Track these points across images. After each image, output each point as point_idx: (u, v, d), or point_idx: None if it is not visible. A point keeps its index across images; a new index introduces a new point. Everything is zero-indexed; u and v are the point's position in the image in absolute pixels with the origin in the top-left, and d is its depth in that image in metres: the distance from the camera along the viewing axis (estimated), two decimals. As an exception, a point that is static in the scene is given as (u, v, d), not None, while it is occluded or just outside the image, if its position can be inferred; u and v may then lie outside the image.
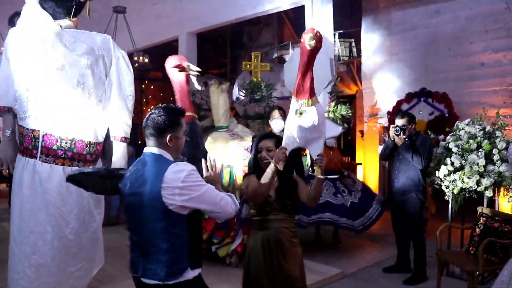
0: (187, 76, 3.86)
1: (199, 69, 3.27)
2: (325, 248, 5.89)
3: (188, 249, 2.07)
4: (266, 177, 2.61)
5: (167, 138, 2.12)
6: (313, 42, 2.71)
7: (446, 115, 7.15)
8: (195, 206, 2.05)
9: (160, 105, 2.25)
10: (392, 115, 7.55)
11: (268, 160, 2.69)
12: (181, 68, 3.64)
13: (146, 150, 2.17)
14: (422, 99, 7.55)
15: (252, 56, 6.82)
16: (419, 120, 7.34)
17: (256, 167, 2.79)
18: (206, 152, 2.77)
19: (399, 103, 7.79)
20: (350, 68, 10.13)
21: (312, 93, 2.79)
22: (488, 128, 4.49)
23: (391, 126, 4.66)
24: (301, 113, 2.76)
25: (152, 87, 16.73)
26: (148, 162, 2.11)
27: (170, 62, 3.73)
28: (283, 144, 2.81)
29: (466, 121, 4.69)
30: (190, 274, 2.07)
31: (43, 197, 3.07)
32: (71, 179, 2.48)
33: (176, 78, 3.58)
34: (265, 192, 2.63)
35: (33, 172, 3.09)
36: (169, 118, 2.13)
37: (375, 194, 6.00)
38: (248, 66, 6.51)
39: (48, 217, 3.07)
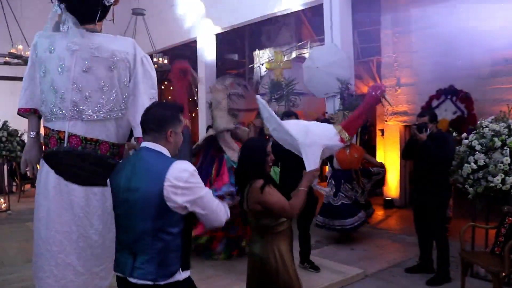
0: (189, 84, 3.99)
1: (200, 80, 3.33)
2: (346, 248, 5.84)
3: (180, 251, 2.01)
4: (301, 196, 2.64)
5: (168, 133, 2.08)
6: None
7: (465, 116, 7.02)
8: (194, 208, 1.99)
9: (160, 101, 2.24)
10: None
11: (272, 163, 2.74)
12: (186, 73, 3.73)
13: (144, 144, 2.11)
14: (448, 97, 7.44)
15: (275, 54, 6.84)
16: (443, 118, 7.25)
17: (263, 170, 2.69)
18: (191, 160, 2.78)
19: (431, 98, 7.73)
20: (369, 67, 10.02)
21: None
22: (513, 125, 4.38)
23: (412, 124, 4.60)
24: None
25: (171, 88, 16.88)
26: (148, 157, 2.05)
27: (176, 67, 3.82)
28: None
29: (490, 118, 4.59)
30: (181, 275, 2.02)
31: (68, 198, 3.13)
32: (47, 154, 2.36)
33: (178, 83, 3.67)
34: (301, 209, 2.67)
35: None
36: (170, 113, 2.10)
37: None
38: (271, 66, 6.61)
39: (73, 217, 3.13)
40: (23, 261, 5.12)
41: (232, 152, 5.07)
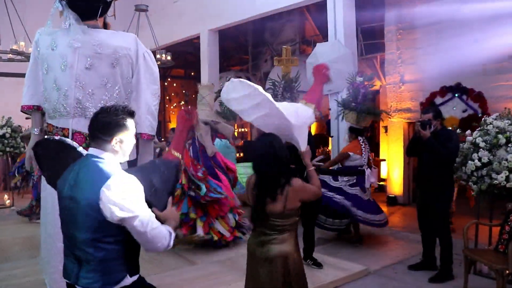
0: (191, 127, 4.17)
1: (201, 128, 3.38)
2: (349, 245, 5.84)
3: (124, 257, 1.95)
4: (315, 175, 2.87)
5: (112, 141, 1.98)
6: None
7: (480, 115, 6.96)
8: (126, 226, 1.88)
9: (108, 105, 2.10)
10: (424, 107, 7.42)
11: None
12: (190, 117, 3.94)
13: (90, 151, 2.02)
14: (456, 95, 7.39)
15: (283, 50, 6.84)
16: (451, 116, 7.22)
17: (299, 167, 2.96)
18: (173, 193, 2.73)
19: (432, 95, 7.67)
20: (373, 63, 9.99)
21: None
22: (517, 122, 4.36)
23: (416, 121, 4.59)
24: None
25: (174, 84, 16.89)
26: (90, 165, 1.95)
27: (183, 111, 4.02)
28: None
29: (494, 115, 4.57)
30: (129, 280, 1.97)
31: None
32: (36, 144, 2.34)
33: (182, 124, 3.82)
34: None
35: None
36: (115, 120, 1.99)
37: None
38: (280, 63, 6.68)
39: None
40: (27, 256, 5.15)
41: (206, 147, 5.43)
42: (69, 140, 2.43)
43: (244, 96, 2.82)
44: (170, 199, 2.21)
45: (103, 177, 1.87)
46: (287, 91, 6.59)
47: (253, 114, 2.93)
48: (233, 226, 5.38)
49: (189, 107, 3.23)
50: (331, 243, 5.93)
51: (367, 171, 5.68)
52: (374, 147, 9.61)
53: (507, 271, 3.63)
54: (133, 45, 3.22)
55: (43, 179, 3.27)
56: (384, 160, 9.22)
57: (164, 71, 15.05)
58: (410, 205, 8.35)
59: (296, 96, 6.96)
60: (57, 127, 3.16)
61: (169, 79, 16.32)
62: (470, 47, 7.38)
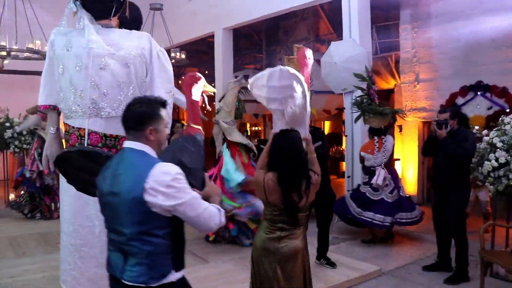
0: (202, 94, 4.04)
1: (214, 90, 3.34)
2: (363, 245, 5.81)
3: (171, 252, 1.95)
4: (316, 161, 2.92)
5: (147, 131, 1.97)
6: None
7: (507, 110, 6.84)
8: (176, 213, 1.89)
9: (140, 96, 2.10)
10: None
11: None
12: (197, 82, 3.84)
13: (126, 145, 2.01)
14: (479, 93, 7.29)
15: (294, 48, 6.81)
16: (476, 115, 7.10)
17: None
18: (205, 168, 2.78)
19: (453, 96, 7.58)
20: (388, 62, 9.91)
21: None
22: (535, 122, 4.29)
23: (432, 120, 4.54)
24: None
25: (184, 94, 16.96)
26: (130, 159, 1.95)
27: (188, 76, 3.93)
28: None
29: (512, 115, 4.50)
30: (174, 276, 1.96)
31: None
32: (59, 159, 2.34)
33: (189, 93, 3.75)
34: None
35: None
36: (149, 110, 1.99)
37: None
38: (290, 62, 6.62)
39: (96, 212, 3.19)
40: (43, 252, 5.22)
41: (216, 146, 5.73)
42: (88, 147, 2.44)
43: (285, 86, 2.90)
44: (206, 175, 2.23)
45: (145, 169, 1.86)
46: None
47: (283, 104, 2.99)
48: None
49: (193, 73, 3.19)
50: (344, 243, 5.90)
51: (378, 170, 5.64)
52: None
53: (524, 274, 3.58)
54: (147, 44, 3.23)
55: (61, 182, 3.32)
56: (399, 159, 9.14)
57: (178, 69, 15.09)
58: (424, 205, 8.26)
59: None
60: (73, 127, 3.20)
61: (183, 77, 16.40)
62: (488, 46, 7.29)
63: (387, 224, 5.53)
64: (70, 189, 3.22)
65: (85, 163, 2.28)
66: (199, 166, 2.26)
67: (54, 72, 3.23)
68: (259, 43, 13.79)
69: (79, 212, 3.22)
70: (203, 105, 3.02)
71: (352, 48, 6.79)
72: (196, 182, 2.11)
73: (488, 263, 4.09)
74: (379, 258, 5.24)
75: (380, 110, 5.74)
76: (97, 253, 3.22)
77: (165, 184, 1.83)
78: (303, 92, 2.92)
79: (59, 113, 3.40)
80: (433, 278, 4.58)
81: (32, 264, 4.72)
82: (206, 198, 2.05)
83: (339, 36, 8.10)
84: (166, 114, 2.10)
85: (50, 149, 3.40)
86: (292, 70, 2.88)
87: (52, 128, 3.39)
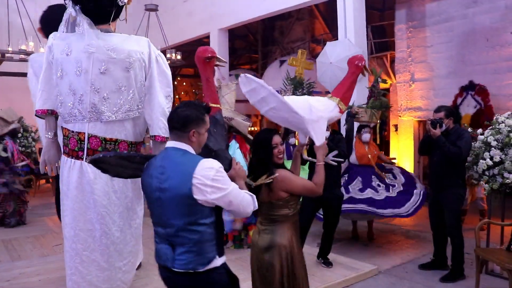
0: (214, 68, 3.95)
1: (225, 61, 3.30)
2: (360, 244, 5.83)
3: (215, 239, 2.13)
4: (321, 171, 2.78)
5: (190, 133, 2.14)
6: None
7: (482, 108, 6.93)
8: (221, 203, 2.09)
9: (186, 100, 2.25)
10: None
11: (282, 155, 2.75)
12: (211, 59, 3.68)
13: (169, 144, 2.19)
14: (470, 93, 7.36)
15: (299, 52, 6.86)
16: (467, 114, 7.20)
17: (270, 162, 2.73)
18: (228, 145, 2.83)
19: (456, 97, 7.63)
20: (383, 62, 9.94)
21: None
22: (530, 121, 4.31)
23: (427, 119, 4.56)
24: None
25: (184, 83, 16.94)
26: (174, 156, 2.13)
27: (200, 53, 3.78)
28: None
29: (506, 114, 4.53)
30: (218, 261, 2.15)
31: (91, 197, 3.21)
32: (94, 161, 2.47)
33: (204, 69, 3.64)
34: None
35: (80, 173, 3.23)
36: (194, 114, 2.15)
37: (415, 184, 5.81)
38: (294, 62, 6.71)
39: (96, 216, 3.22)
40: (39, 255, 5.20)
41: None
42: (123, 153, 2.78)
43: (251, 90, 2.84)
44: (233, 158, 2.39)
45: (190, 166, 2.04)
46: (296, 94, 6.59)
47: (263, 107, 2.94)
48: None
49: (204, 47, 3.10)
50: (341, 242, 5.91)
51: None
52: (385, 146, 9.56)
53: (520, 271, 3.59)
54: (146, 48, 3.24)
55: (61, 186, 3.33)
56: (395, 158, 9.16)
57: (174, 70, 15.06)
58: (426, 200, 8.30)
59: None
60: (72, 131, 3.20)
61: (178, 78, 16.38)
62: (482, 45, 7.33)
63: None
64: (70, 192, 3.24)
65: (119, 162, 2.44)
66: (223, 146, 2.35)
67: (52, 77, 3.23)
68: (255, 43, 13.80)
69: (80, 216, 3.23)
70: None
71: (347, 48, 6.80)
72: (223, 163, 2.23)
73: (484, 260, 4.12)
74: (376, 257, 5.25)
75: (370, 103, 5.72)
76: (98, 256, 3.25)
77: (211, 178, 2.02)
78: (273, 94, 2.79)
79: (57, 118, 3.40)
80: (429, 277, 4.60)
81: (28, 267, 4.70)
82: (232, 180, 2.22)
83: (335, 36, 8.10)
84: (208, 119, 2.25)
85: (48, 154, 3.41)
86: (247, 76, 2.82)
87: (49, 133, 3.39)
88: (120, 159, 2.50)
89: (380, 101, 5.64)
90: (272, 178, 2.63)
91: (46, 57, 3.25)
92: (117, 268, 3.33)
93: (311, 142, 3.08)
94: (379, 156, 6.00)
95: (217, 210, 2.14)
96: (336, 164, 3.46)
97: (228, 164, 2.36)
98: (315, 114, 3.00)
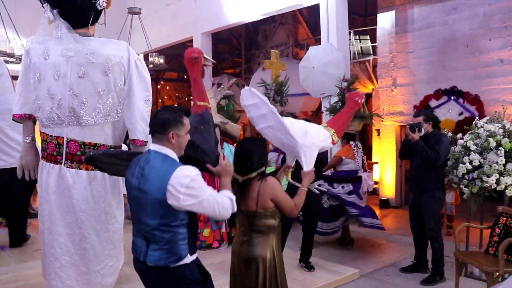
0: (202, 68, 3.96)
1: (214, 61, 3.31)
2: (341, 248, 5.85)
3: (188, 238, 2.21)
4: (302, 196, 2.77)
5: (169, 135, 2.20)
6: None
7: (477, 117, 7.01)
8: (194, 209, 2.15)
9: (166, 105, 2.29)
10: (417, 110, 7.43)
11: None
12: (197, 59, 3.67)
13: (152, 147, 2.26)
14: (452, 98, 7.43)
15: (272, 53, 6.88)
16: (447, 119, 7.26)
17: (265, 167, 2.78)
18: (217, 141, 2.84)
19: (426, 98, 7.71)
20: (366, 67, 10.04)
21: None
22: (508, 126, 4.39)
23: (407, 124, 4.62)
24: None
25: (167, 87, 16.87)
26: (154, 160, 2.20)
27: (187, 54, 3.78)
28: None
29: (485, 119, 4.61)
30: (189, 258, 2.23)
31: (70, 201, 3.18)
32: (90, 159, 2.59)
33: (191, 69, 3.64)
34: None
35: (59, 178, 3.19)
36: (172, 117, 2.23)
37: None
38: (269, 65, 6.76)
39: (75, 220, 3.19)
40: (17, 261, 5.10)
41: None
42: (110, 150, 2.85)
43: (252, 105, 2.85)
44: (221, 152, 2.35)
45: (167, 173, 2.10)
46: (277, 94, 6.64)
47: (260, 123, 2.93)
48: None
49: (192, 49, 3.11)
50: (323, 246, 5.93)
51: (364, 175, 5.65)
52: (367, 150, 9.64)
53: (498, 273, 3.65)
54: (125, 52, 3.22)
55: (40, 190, 3.28)
56: (377, 163, 9.25)
57: (157, 74, 14.99)
58: (402, 208, 8.39)
59: (285, 101, 7.04)
60: (51, 136, 3.16)
61: (162, 82, 16.31)
62: (462, 51, 7.46)
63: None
64: (48, 196, 3.20)
65: (110, 160, 2.54)
66: (211, 143, 2.42)
67: (29, 81, 3.19)
68: (238, 47, 13.82)
69: (59, 220, 3.18)
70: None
71: (330, 52, 6.86)
72: (210, 159, 2.27)
73: (463, 263, 4.17)
74: (358, 260, 5.28)
75: (361, 114, 5.79)
76: (78, 260, 3.22)
77: (185, 186, 2.07)
78: (273, 113, 2.80)
79: (34, 122, 3.35)
80: (410, 280, 4.65)
81: (5, 274, 4.60)
82: (218, 177, 2.30)
83: (318, 41, 8.16)
84: (188, 121, 2.29)
85: (25, 158, 3.36)
86: (251, 89, 2.84)
87: (27, 138, 3.35)
88: (109, 156, 2.56)
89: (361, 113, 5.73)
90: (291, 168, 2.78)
91: (23, 61, 3.21)
92: (96, 271, 3.30)
93: (297, 168, 3.08)
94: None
95: (191, 212, 2.20)
96: (318, 192, 3.47)
97: (215, 160, 2.40)
98: (309, 140, 2.99)
